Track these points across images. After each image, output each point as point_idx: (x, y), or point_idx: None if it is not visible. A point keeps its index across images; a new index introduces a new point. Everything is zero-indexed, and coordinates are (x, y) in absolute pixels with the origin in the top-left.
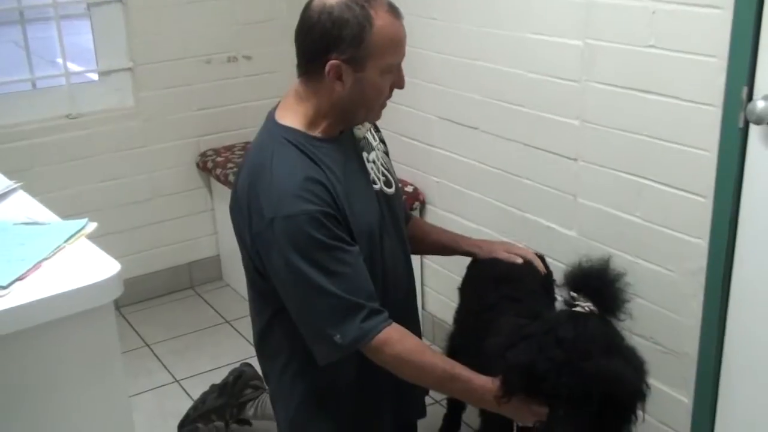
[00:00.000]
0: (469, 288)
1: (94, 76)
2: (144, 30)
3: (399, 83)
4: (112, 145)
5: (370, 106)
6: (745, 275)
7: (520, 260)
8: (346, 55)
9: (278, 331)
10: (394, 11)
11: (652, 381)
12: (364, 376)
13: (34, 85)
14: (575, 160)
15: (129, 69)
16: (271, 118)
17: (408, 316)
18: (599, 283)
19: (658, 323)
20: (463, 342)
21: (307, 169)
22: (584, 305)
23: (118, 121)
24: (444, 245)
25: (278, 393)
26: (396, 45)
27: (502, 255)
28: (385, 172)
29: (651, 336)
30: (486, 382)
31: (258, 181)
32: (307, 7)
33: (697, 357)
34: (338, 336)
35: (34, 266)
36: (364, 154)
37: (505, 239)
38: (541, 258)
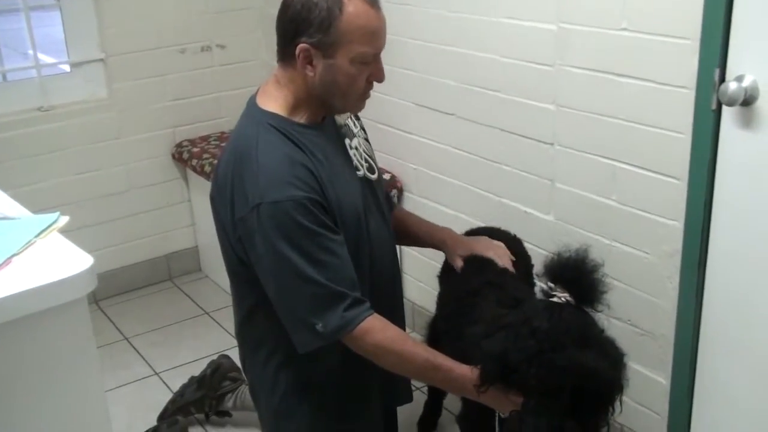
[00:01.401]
0: (451, 272)
1: (66, 68)
2: (115, 20)
3: (377, 76)
4: (85, 137)
5: (346, 95)
6: (721, 256)
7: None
8: (314, 39)
9: (261, 321)
10: (372, 1)
11: (629, 363)
12: (350, 364)
13: (4, 77)
14: (551, 144)
15: (101, 60)
16: (252, 104)
17: (393, 299)
18: (577, 273)
19: (635, 306)
20: (445, 327)
21: (293, 155)
22: (561, 296)
23: (92, 112)
24: (419, 237)
25: (261, 383)
26: (368, 34)
27: (458, 263)
28: (368, 158)
29: (628, 318)
30: (466, 372)
31: (242, 166)
32: None
33: (674, 338)
34: (320, 324)
35: (3, 262)
36: (347, 141)
37: (481, 224)
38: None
